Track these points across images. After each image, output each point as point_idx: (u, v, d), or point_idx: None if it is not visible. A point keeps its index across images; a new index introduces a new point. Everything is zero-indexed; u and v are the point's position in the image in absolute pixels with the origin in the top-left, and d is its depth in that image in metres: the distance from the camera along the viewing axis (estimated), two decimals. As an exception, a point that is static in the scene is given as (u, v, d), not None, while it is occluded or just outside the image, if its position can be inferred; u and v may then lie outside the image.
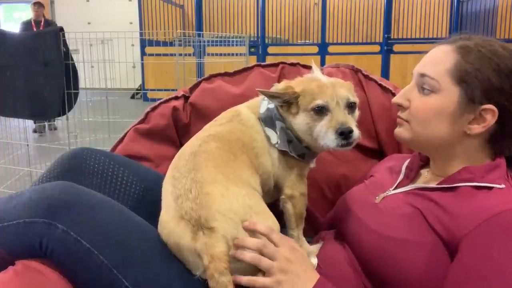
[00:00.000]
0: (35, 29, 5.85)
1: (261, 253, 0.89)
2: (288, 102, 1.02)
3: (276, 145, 1.05)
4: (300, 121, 1.01)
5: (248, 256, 0.89)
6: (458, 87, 0.91)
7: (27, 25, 6.14)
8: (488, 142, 0.94)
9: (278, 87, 1.07)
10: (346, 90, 1.00)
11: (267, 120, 1.06)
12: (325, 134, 0.96)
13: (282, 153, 1.06)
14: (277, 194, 1.10)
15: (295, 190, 1.06)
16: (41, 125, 5.71)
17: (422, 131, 0.97)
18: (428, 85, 0.95)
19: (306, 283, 0.87)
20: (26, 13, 6.37)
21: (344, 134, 0.94)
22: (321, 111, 0.97)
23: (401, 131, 1.02)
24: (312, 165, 1.11)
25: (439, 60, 0.95)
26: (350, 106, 1.00)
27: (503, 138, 0.93)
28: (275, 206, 1.07)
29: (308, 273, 0.89)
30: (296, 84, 1.03)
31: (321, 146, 1.00)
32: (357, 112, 1.03)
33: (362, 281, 0.96)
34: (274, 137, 1.05)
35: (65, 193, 0.90)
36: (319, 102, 0.97)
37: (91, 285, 0.89)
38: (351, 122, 0.97)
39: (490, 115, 0.90)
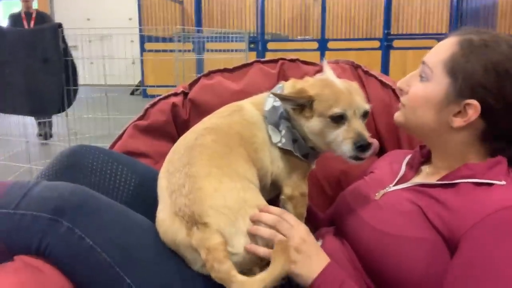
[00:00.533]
0: (25, 22, 5.51)
1: (276, 229, 0.90)
2: (301, 105, 1.00)
3: (279, 144, 1.03)
4: (313, 126, 0.99)
5: (263, 231, 0.90)
6: (448, 78, 0.92)
7: (16, 17, 5.59)
8: (481, 140, 0.94)
9: (286, 86, 1.06)
10: (361, 98, 1.00)
11: (272, 119, 1.05)
12: (341, 143, 0.96)
13: (284, 152, 1.04)
14: (274, 192, 1.09)
15: (295, 190, 1.05)
16: (43, 122, 5.52)
17: (411, 116, 1.00)
18: (424, 73, 0.97)
19: (317, 265, 0.89)
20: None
21: (362, 147, 0.94)
22: (338, 118, 0.96)
23: (398, 115, 1.05)
24: (313, 166, 1.11)
25: (441, 50, 0.96)
26: (364, 115, 1.00)
27: (493, 138, 0.93)
28: (275, 205, 1.06)
29: (320, 256, 0.91)
30: (309, 86, 1.01)
31: (335, 152, 0.99)
32: (366, 119, 1.02)
33: (362, 278, 0.95)
34: (277, 136, 1.04)
35: (75, 194, 0.92)
36: (337, 110, 0.95)
37: (91, 283, 0.89)
38: (367, 134, 0.96)
39: (473, 110, 0.89)
